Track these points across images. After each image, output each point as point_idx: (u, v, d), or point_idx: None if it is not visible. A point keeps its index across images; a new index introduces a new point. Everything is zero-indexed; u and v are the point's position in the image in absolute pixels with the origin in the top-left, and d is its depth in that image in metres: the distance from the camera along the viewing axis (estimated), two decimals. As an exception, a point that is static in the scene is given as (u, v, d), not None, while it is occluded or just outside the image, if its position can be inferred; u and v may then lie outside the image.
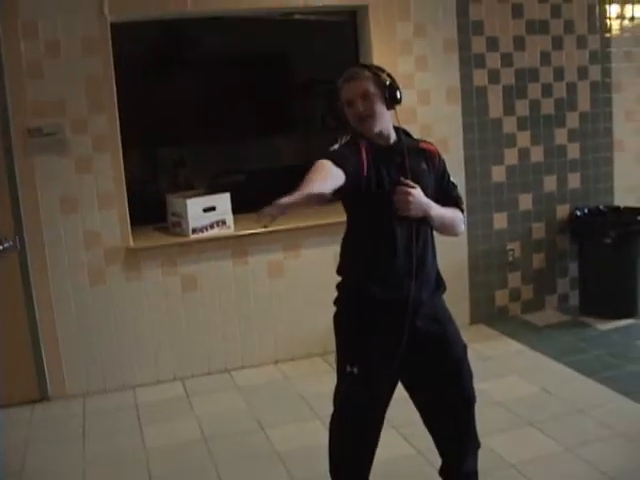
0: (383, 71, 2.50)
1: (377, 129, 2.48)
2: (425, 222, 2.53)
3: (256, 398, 4.08)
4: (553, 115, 5.10)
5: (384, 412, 2.63)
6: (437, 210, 2.53)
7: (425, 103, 4.66)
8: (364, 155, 2.43)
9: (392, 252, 2.50)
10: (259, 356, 4.55)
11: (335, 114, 2.57)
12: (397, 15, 4.57)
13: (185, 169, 6.74)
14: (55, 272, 4.14)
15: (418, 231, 2.52)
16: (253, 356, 4.54)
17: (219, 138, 6.53)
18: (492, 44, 4.85)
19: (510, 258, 5.13)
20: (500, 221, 5.05)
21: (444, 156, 2.68)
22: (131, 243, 4.25)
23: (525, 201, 5.11)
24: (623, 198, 5.34)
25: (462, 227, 2.71)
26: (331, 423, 2.66)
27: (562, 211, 5.22)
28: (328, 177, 2.23)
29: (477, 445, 2.78)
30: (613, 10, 5.17)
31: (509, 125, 4.98)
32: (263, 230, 4.35)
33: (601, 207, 5.26)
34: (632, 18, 5.23)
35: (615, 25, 5.20)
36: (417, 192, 2.44)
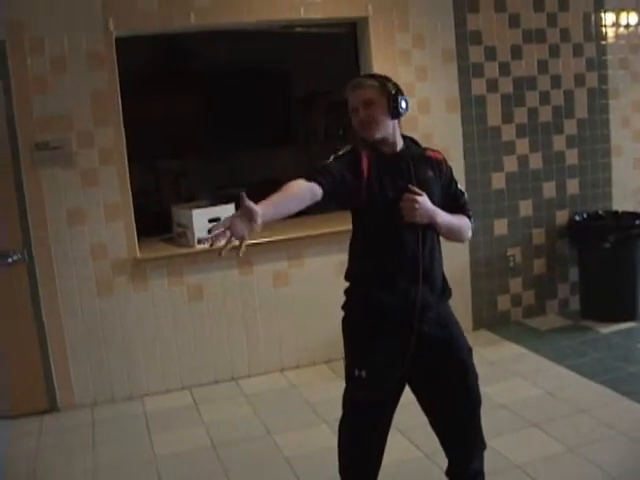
0: (389, 81, 2.56)
1: (379, 136, 2.54)
2: (432, 228, 2.58)
3: (263, 405, 4.13)
4: (551, 122, 5.17)
5: (392, 415, 2.68)
6: (443, 217, 2.58)
7: (425, 112, 4.73)
8: (364, 164, 2.49)
9: (398, 258, 2.55)
10: (265, 364, 4.60)
11: (341, 124, 2.65)
12: (396, 26, 4.64)
13: (187, 181, 6.79)
14: (63, 284, 4.19)
15: (425, 237, 2.56)
16: (259, 364, 4.59)
17: (221, 150, 6.58)
18: (490, 54, 4.92)
19: (511, 264, 5.18)
20: (501, 227, 5.12)
21: (446, 164, 2.74)
22: (138, 254, 4.31)
23: (525, 207, 5.17)
24: (621, 203, 5.40)
25: (469, 233, 2.75)
26: (340, 425, 2.71)
27: (561, 217, 5.28)
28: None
29: (483, 446, 2.82)
30: (609, 18, 5.25)
31: (508, 133, 5.05)
32: (267, 240, 4.43)
33: (600, 212, 5.32)
34: (627, 26, 5.31)
35: (611, 33, 5.27)
36: (423, 199, 2.50)
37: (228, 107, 6.36)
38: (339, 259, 4.37)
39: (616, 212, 5.33)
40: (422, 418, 2.83)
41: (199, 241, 4.37)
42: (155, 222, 4.92)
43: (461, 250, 4.82)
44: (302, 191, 2.35)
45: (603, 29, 5.25)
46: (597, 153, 5.34)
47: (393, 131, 2.57)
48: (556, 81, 5.14)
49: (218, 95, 6.39)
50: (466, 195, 2.76)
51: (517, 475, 3.09)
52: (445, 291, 2.69)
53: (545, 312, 5.33)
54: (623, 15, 5.29)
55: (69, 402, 4.26)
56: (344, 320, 2.67)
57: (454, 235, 2.73)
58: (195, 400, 4.29)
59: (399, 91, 2.54)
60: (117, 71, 4.15)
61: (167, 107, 5.95)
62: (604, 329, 4.87)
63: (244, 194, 2.09)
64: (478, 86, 4.92)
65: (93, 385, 4.31)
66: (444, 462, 2.90)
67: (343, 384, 2.64)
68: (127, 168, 4.24)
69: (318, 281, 4.58)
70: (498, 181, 5.06)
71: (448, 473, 2.89)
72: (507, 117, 5.03)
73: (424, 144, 2.75)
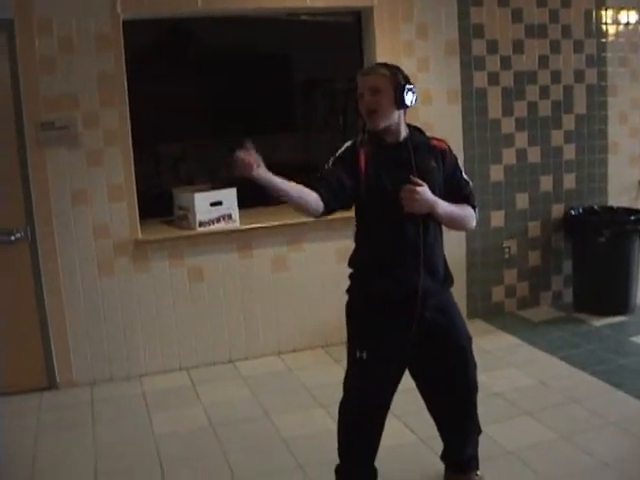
0: (401, 72, 2.60)
1: (383, 125, 2.58)
2: (433, 218, 2.63)
3: (260, 387, 4.18)
4: (550, 117, 5.22)
5: (391, 398, 2.75)
6: (444, 207, 2.61)
7: (427, 103, 4.76)
8: (362, 161, 2.57)
9: (399, 248, 2.61)
10: (262, 347, 4.66)
11: (342, 112, 2.70)
12: (401, 17, 4.68)
13: (186, 166, 6.82)
14: (65, 263, 4.23)
15: (426, 226, 2.62)
16: (257, 347, 4.64)
17: (221, 135, 6.59)
18: (492, 47, 4.97)
19: (506, 255, 5.25)
20: (497, 219, 5.18)
21: (446, 155, 2.78)
22: (139, 235, 4.35)
23: (522, 200, 5.23)
24: (617, 198, 5.48)
25: (473, 223, 2.79)
26: (340, 407, 2.77)
27: (557, 210, 5.35)
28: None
29: (478, 431, 2.91)
30: (609, 16, 5.29)
31: (507, 126, 5.10)
32: (268, 225, 4.48)
33: (595, 207, 5.38)
34: (627, 24, 5.35)
35: (611, 31, 5.32)
36: (423, 190, 2.54)
37: (229, 93, 6.37)
38: (339, 245, 4.47)
39: (611, 207, 5.39)
40: (418, 404, 2.91)
41: (200, 224, 4.42)
42: (155, 204, 4.94)
43: (457, 241, 4.88)
44: (311, 193, 2.44)
45: (604, 26, 5.30)
46: (594, 149, 5.40)
47: (398, 120, 2.61)
48: (556, 76, 5.19)
49: (220, 81, 6.40)
50: (471, 184, 2.80)
51: (510, 460, 3.16)
52: (447, 279, 2.75)
53: (539, 304, 5.40)
54: (624, 13, 5.33)
55: (68, 380, 4.31)
56: (348, 304, 2.73)
57: (456, 225, 2.78)
58: (193, 381, 4.34)
59: (408, 83, 2.58)
60: (124, 53, 4.17)
61: (168, 91, 5.95)
62: (596, 322, 4.94)
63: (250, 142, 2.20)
64: (479, 79, 4.97)
65: (92, 364, 4.35)
66: (439, 447, 2.98)
67: (340, 369, 2.70)
68: (131, 149, 4.26)
69: (317, 266, 4.64)
70: (496, 173, 5.11)
71: (443, 457, 2.97)
72: (507, 110, 5.08)
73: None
